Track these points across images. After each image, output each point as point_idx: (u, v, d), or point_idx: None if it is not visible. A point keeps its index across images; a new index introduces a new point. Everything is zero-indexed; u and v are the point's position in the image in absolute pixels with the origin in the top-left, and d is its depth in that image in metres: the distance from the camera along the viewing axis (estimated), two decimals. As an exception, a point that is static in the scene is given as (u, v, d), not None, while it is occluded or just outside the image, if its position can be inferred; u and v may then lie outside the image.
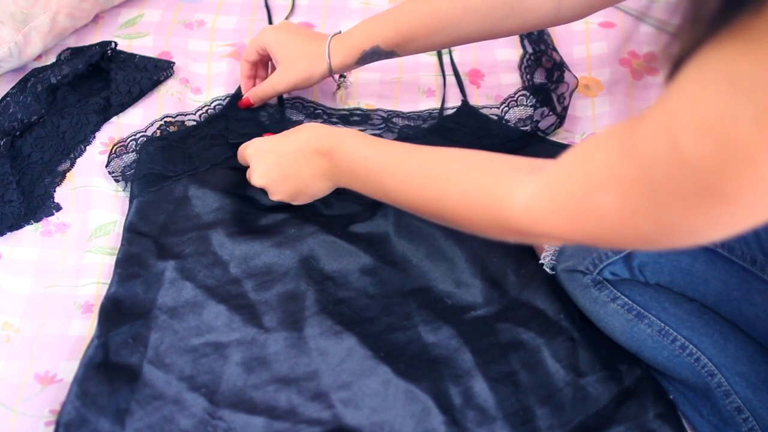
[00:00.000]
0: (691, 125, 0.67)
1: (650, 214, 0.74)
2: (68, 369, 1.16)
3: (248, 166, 1.25)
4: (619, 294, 1.13)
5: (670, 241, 0.77)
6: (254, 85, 1.43)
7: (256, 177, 1.21)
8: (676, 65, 0.68)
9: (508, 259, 1.24)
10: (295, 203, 1.23)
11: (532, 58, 1.52)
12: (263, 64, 1.44)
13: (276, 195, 1.22)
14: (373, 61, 1.32)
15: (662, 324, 1.12)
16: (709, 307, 1.14)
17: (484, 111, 1.43)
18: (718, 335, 1.12)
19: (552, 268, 1.20)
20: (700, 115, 0.66)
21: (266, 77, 1.43)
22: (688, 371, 1.12)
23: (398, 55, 1.30)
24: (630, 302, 1.13)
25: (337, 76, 1.42)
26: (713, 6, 0.62)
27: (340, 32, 1.33)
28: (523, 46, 1.55)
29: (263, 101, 1.40)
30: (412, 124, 1.42)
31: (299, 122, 1.42)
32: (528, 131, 1.40)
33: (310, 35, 1.36)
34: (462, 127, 1.40)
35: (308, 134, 1.18)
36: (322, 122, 1.43)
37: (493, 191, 0.90)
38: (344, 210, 1.31)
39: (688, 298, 1.14)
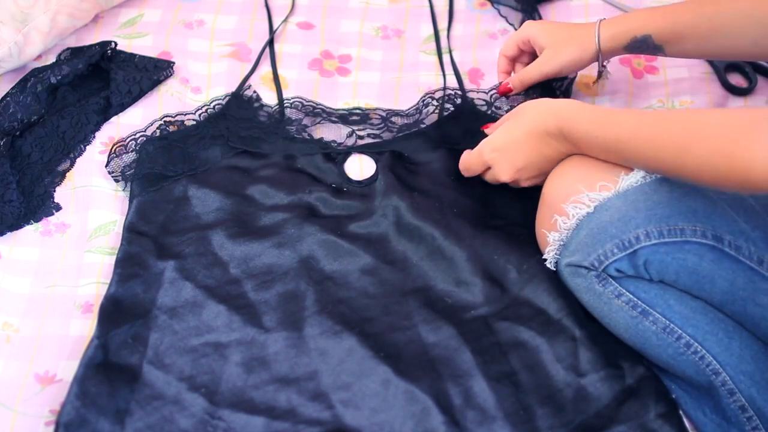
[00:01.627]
0: None
1: None
2: (68, 369, 1.16)
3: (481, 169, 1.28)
4: (623, 290, 1.13)
5: None
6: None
7: (505, 175, 1.24)
8: None
9: (510, 256, 1.24)
10: (540, 183, 1.24)
11: None
12: (521, 61, 1.43)
13: (526, 183, 1.25)
14: (638, 52, 1.30)
15: (667, 321, 1.11)
16: (714, 306, 1.13)
17: (471, 95, 1.44)
18: (723, 333, 1.11)
19: (555, 264, 1.20)
20: None
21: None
22: (692, 369, 1.12)
23: (664, 53, 1.28)
24: (635, 299, 1.12)
25: (600, 64, 1.35)
26: None
27: (603, 19, 1.31)
28: None
29: (525, 87, 1.39)
30: (411, 122, 1.42)
31: (298, 121, 1.42)
32: None
33: (574, 24, 1.36)
34: (461, 124, 1.40)
35: (533, 116, 1.20)
36: (321, 121, 1.43)
37: (734, 153, 0.95)
38: (344, 210, 1.30)
39: (693, 296, 1.13)
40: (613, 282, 1.13)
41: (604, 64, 1.35)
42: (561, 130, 1.15)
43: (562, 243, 1.17)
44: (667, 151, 1.03)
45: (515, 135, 1.21)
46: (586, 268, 1.13)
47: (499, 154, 1.23)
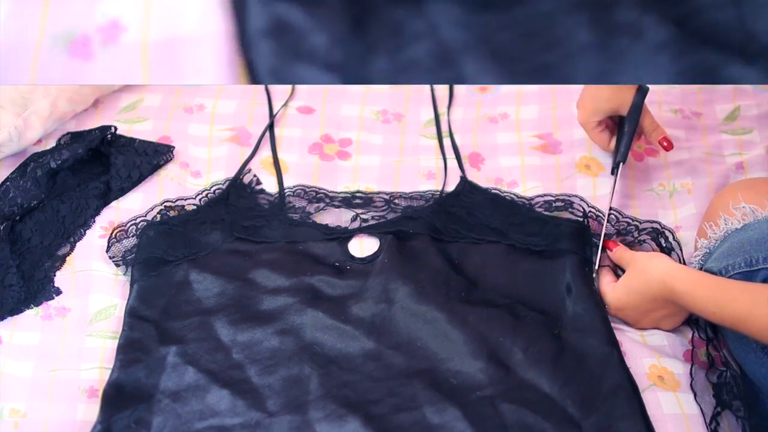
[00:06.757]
0: None
1: None
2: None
3: None
4: None
5: None
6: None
7: (637, 326, 1.30)
8: None
9: (516, 338, 1.23)
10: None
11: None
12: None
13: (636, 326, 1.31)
14: None
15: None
16: None
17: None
18: None
19: (700, 269, 1.25)
20: None
21: None
22: None
23: None
24: None
25: None
26: None
27: None
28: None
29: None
30: (415, 205, 1.42)
31: (301, 209, 1.42)
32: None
33: None
34: (462, 201, 1.41)
35: (646, 282, 1.24)
36: (324, 207, 1.43)
37: None
38: (347, 290, 1.30)
39: None
40: None
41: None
42: (675, 299, 1.21)
43: (708, 251, 1.25)
44: None
45: (632, 300, 1.27)
46: (714, 274, 1.20)
47: (622, 314, 1.29)
